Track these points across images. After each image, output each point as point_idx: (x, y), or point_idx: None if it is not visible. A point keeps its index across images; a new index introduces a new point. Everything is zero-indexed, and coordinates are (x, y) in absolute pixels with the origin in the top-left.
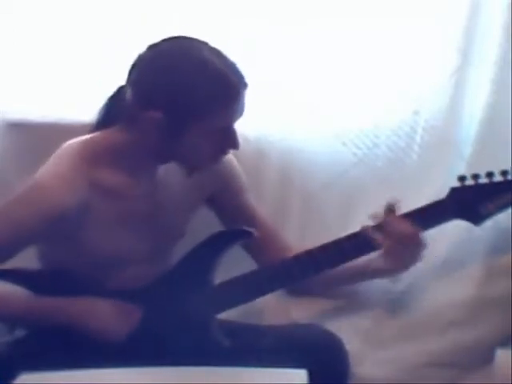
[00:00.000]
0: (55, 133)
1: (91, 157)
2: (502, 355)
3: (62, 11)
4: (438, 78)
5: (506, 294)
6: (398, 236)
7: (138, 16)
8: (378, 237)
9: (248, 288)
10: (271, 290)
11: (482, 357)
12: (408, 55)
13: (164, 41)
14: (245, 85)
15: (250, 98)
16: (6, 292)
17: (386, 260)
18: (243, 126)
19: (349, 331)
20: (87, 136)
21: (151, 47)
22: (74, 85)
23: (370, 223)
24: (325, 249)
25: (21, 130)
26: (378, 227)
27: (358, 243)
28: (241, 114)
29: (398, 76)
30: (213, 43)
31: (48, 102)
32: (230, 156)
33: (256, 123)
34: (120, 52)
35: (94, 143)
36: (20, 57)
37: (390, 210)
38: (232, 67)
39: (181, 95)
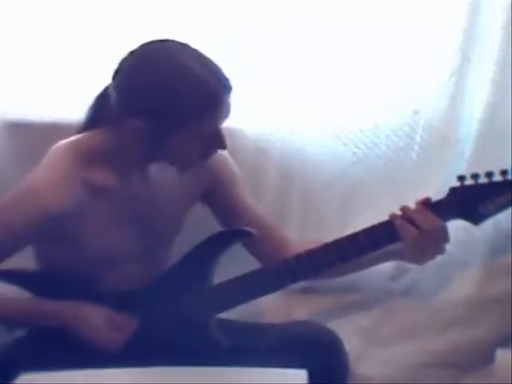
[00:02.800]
0: (55, 133)
1: (82, 158)
2: (501, 355)
3: (62, 11)
4: (438, 78)
5: (506, 294)
6: (427, 228)
7: (138, 16)
8: (407, 227)
9: (248, 288)
10: (274, 289)
11: (482, 357)
12: (408, 55)
13: (145, 45)
14: (227, 88)
15: (250, 97)
16: (2, 294)
17: (409, 251)
18: (244, 125)
19: (348, 330)
20: (76, 137)
21: (132, 52)
22: (74, 85)
23: (398, 213)
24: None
25: (20, 129)
26: (407, 218)
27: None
28: (226, 116)
29: (398, 76)
30: (213, 43)
31: (48, 102)
32: (224, 152)
33: (256, 122)
34: (120, 52)
35: (84, 144)
36: (20, 57)
37: (424, 203)
38: (214, 71)
39: (161, 103)
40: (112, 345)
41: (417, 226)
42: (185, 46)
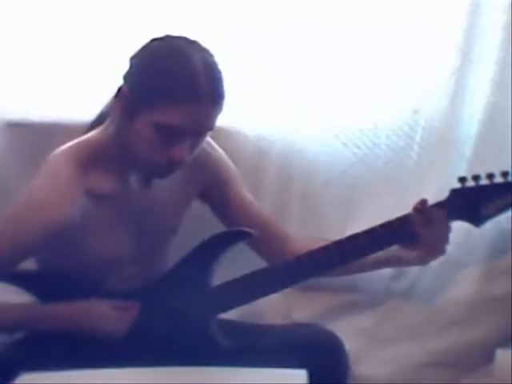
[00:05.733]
0: (55, 133)
1: (82, 163)
2: (502, 355)
3: (62, 11)
4: (438, 78)
5: (506, 294)
6: (436, 226)
7: (138, 15)
8: (419, 226)
9: (248, 289)
10: (274, 290)
11: (482, 357)
12: (408, 55)
13: (166, 37)
14: (211, 99)
15: (250, 97)
16: (4, 302)
17: (419, 250)
18: (244, 125)
19: (349, 331)
20: (73, 142)
21: (153, 40)
22: (74, 85)
23: (413, 213)
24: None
25: (20, 130)
26: (418, 217)
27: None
28: (196, 123)
29: (398, 76)
30: (213, 42)
31: (48, 102)
32: (220, 151)
33: (256, 122)
34: (120, 52)
35: (83, 148)
36: (20, 57)
37: (422, 203)
38: (211, 77)
39: (146, 74)
40: (119, 327)
41: (428, 224)
42: (198, 45)
